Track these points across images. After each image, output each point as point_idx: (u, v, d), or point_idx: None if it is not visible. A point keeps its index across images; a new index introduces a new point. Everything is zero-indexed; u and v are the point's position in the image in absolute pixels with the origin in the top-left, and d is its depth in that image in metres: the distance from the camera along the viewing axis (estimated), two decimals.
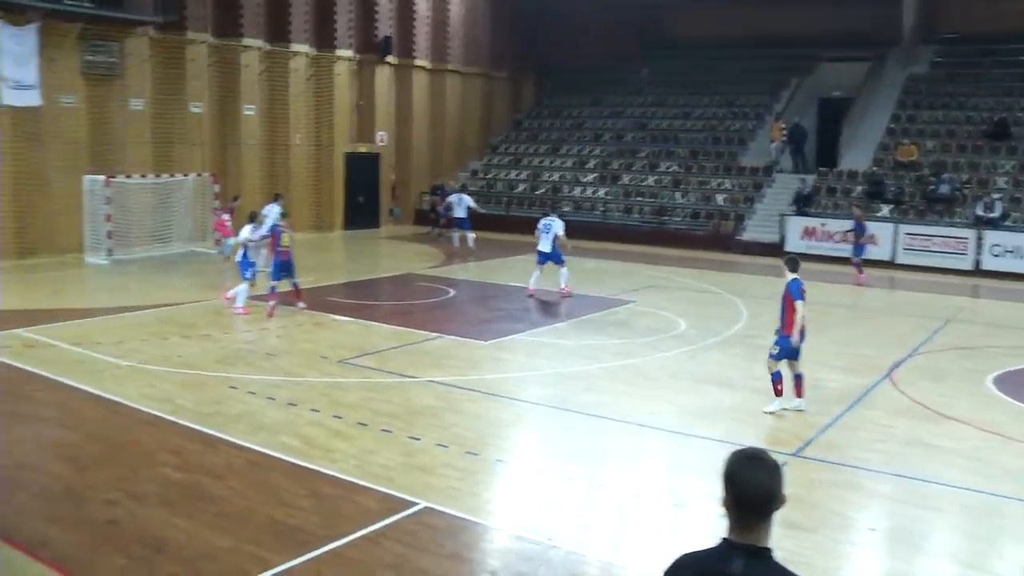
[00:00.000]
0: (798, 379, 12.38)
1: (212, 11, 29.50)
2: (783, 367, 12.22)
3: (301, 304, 18.70)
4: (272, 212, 21.37)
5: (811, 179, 31.56)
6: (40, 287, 21.25)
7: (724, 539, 3.44)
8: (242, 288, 18.56)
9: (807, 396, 12.47)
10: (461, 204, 29.29)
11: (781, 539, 8.33)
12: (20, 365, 14.06)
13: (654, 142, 37.24)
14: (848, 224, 25.57)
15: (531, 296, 20.76)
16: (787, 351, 12.12)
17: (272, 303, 18.19)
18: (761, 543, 3.39)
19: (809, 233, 29.11)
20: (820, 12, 37.34)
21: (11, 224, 24.55)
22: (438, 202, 33.80)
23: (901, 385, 13.88)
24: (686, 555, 3.51)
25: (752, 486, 3.38)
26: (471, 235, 28.85)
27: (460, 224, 29.36)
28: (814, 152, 34.31)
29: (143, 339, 15.94)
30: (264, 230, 19.31)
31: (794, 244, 28.73)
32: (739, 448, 3.53)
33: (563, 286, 20.91)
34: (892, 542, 8.63)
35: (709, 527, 8.69)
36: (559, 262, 20.88)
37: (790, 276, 12.15)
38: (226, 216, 25.36)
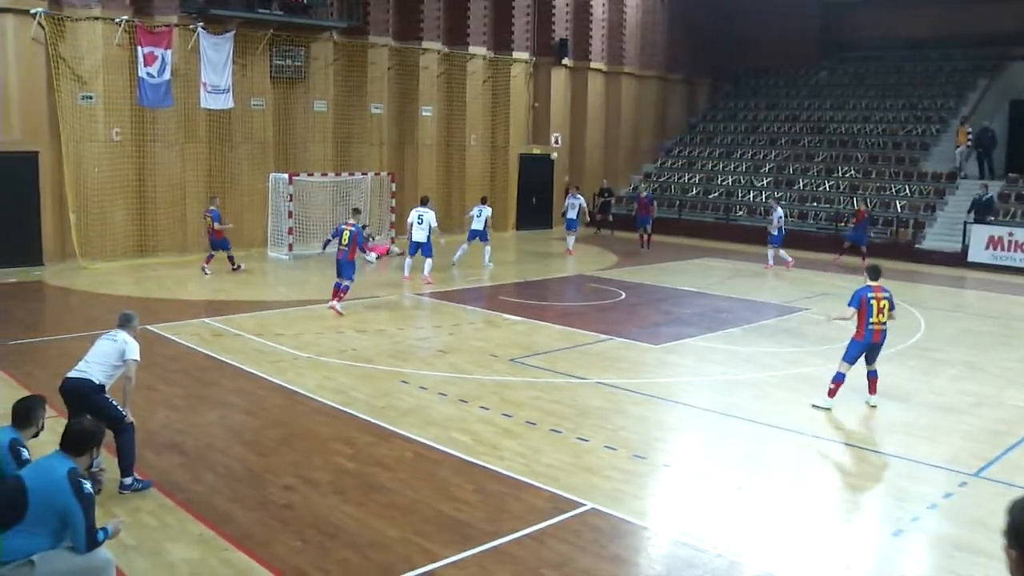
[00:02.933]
0: (870, 376, 12.78)
1: (393, 15, 30.33)
2: (848, 369, 12.50)
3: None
4: (484, 212, 24.61)
5: (994, 185, 30.11)
6: (226, 279, 22.23)
7: None
8: (428, 263, 21.88)
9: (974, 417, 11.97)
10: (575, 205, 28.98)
11: (963, 565, 8.05)
12: (208, 352, 14.79)
13: (831, 146, 36.27)
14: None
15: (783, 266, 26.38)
16: (850, 354, 12.48)
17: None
18: None
19: (995, 243, 27.61)
20: (1012, 8, 35.62)
21: (202, 220, 25.79)
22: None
23: None
24: None
25: None
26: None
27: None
28: (1003, 157, 32.73)
29: (320, 332, 16.50)
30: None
31: (978, 254, 27.49)
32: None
33: (789, 259, 26.53)
34: None
35: (875, 543, 8.45)
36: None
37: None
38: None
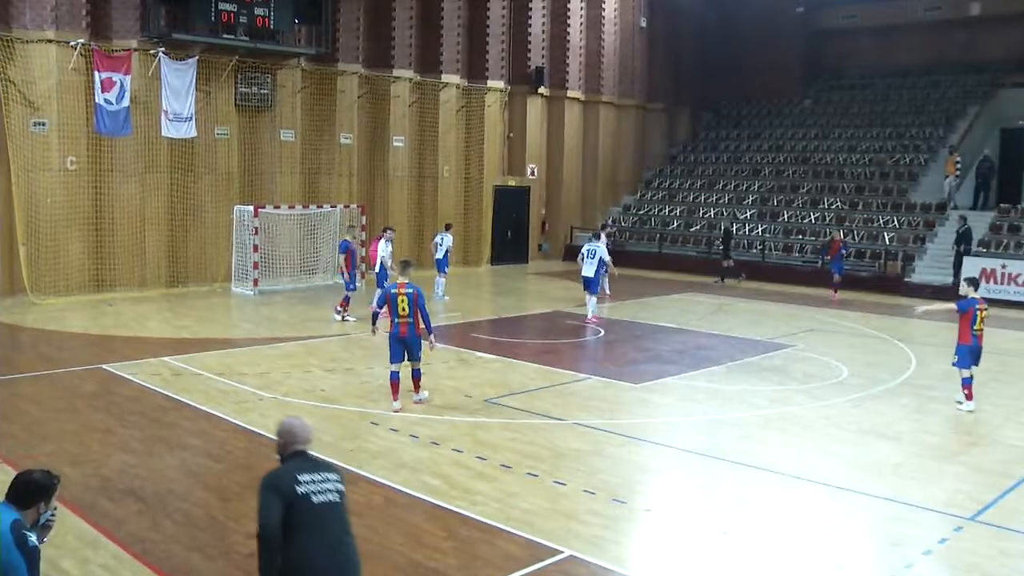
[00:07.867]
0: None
1: (363, 42, 29.74)
2: (970, 372, 14.28)
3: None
4: (445, 241, 25.70)
5: (985, 216, 29.75)
6: (188, 316, 21.54)
7: None
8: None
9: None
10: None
11: None
12: (168, 393, 14.22)
13: (816, 177, 35.84)
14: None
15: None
16: (965, 360, 14.30)
17: None
18: None
19: (987, 276, 26.59)
20: (1002, 35, 35.34)
21: (163, 253, 25.19)
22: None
23: None
24: None
25: None
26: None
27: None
28: (995, 188, 32.30)
29: (286, 371, 15.90)
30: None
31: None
32: None
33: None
34: None
35: None
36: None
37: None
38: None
